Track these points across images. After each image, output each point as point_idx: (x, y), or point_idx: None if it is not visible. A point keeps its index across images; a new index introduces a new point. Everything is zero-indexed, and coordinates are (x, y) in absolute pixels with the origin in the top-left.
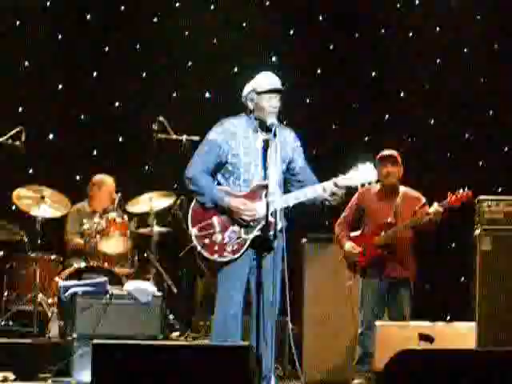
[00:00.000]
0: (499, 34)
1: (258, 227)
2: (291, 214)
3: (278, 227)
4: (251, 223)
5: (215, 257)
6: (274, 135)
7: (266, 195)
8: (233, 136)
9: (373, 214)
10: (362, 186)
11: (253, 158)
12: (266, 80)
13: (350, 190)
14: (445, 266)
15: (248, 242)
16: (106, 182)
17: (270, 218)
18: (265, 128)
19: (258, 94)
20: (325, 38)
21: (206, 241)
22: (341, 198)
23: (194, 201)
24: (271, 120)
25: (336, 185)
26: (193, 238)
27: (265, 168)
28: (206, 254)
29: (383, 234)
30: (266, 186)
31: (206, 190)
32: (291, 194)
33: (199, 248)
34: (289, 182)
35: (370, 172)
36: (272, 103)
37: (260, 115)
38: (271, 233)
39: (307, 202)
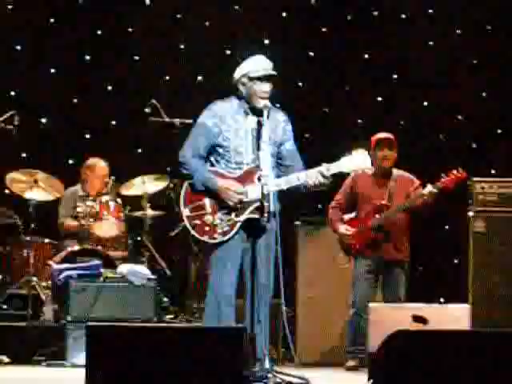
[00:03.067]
0: (489, 18)
1: (250, 209)
2: (283, 198)
3: (271, 209)
4: (241, 205)
5: (205, 238)
6: (267, 117)
7: (259, 177)
8: (222, 119)
9: (367, 197)
10: (353, 191)
11: (243, 140)
12: (259, 65)
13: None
14: (438, 247)
15: (239, 224)
16: (99, 165)
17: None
18: (255, 111)
19: (250, 79)
20: (317, 20)
21: (197, 222)
22: (329, 184)
23: (187, 182)
24: (263, 102)
25: (328, 170)
26: (184, 218)
27: (258, 149)
28: (196, 234)
29: (377, 217)
30: (259, 168)
31: (195, 173)
32: (283, 177)
33: (190, 229)
34: (276, 165)
35: (364, 159)
36: (263, 88)
37: (251, 99)
38: (265, 215)
39: (294, 188)
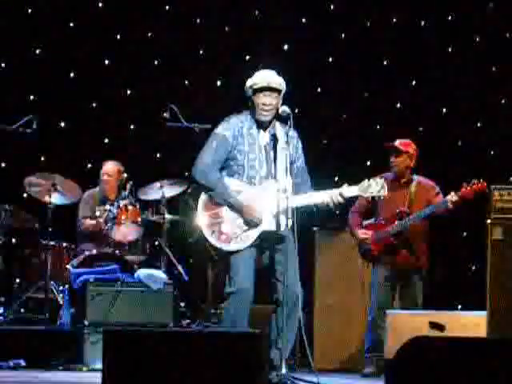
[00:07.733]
0: (508, 26)
1: (267, 221)
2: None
3: (289, 223)
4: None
5: (221, 245)
6: (287, 123)
7: (277, 190)
8: (239, 132)
9: (386, 203)
10: (373, 198)
11: (257, 154)
12: (260, 78)
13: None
14: (456, 254)
15: (255, 236)
16: (112, 168)
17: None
18: (266, 125)
19: (253, 92)
20: (336, 26)
21: (215, 228)
22: (343, 206)
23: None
24: (282, 108)
25: (342, 196)
26: (202, 225)
27: (275, 161)
28: (213, 241)
29: (397, 224)
30: (276, 181)
31: (216, 187)
32: (298, 196)
33: (207, 235)
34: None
35: (381, 188)
36: (262, 100)
37: (255, 112)
38: (281, 228)
39: (307, 207)
